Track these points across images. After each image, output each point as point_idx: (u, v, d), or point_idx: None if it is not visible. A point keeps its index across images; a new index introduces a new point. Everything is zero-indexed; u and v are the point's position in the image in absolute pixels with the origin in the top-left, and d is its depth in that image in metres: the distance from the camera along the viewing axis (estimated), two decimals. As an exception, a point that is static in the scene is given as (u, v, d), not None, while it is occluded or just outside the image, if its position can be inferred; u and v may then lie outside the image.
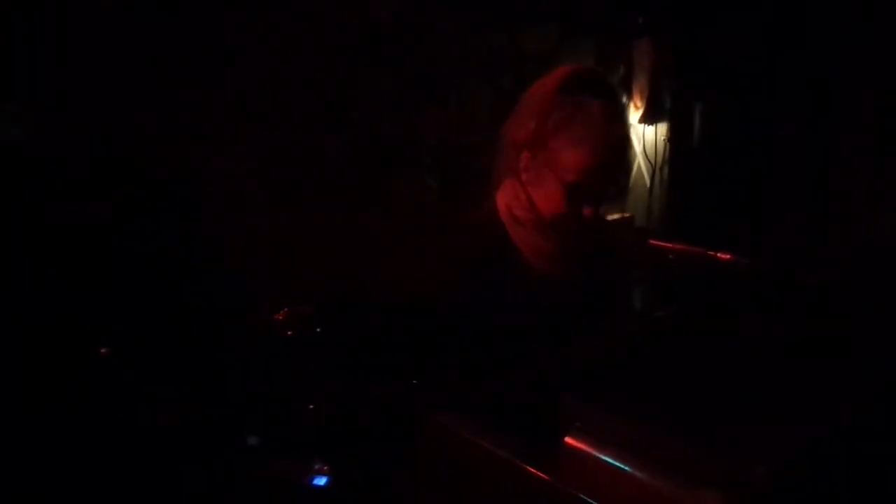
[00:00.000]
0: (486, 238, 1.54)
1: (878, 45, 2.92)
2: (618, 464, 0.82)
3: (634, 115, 3.91)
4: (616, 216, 3.75)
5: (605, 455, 0.83)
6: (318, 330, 2.15)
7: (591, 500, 0.83)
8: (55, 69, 2.46)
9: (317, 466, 1.86)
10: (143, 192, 2.64)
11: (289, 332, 2.14)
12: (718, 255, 1.70)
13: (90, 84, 2.50)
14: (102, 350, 1.85)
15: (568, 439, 0.85)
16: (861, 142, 3.03)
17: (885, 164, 2.94)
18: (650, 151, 3.84)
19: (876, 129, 2.98)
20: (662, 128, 3.78)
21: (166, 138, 2.67)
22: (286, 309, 2.19)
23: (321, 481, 1.84)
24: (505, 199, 1.56)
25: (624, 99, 3.96)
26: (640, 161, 3.95)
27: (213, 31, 2.75)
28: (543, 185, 1.49)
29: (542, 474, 0.88)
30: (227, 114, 2.79)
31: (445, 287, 1.48)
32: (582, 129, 1.45)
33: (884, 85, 2.93)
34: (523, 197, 1.52)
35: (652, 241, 1.85)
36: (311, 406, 1.98)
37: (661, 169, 3.81)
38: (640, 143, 3.93)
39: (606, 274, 1.68)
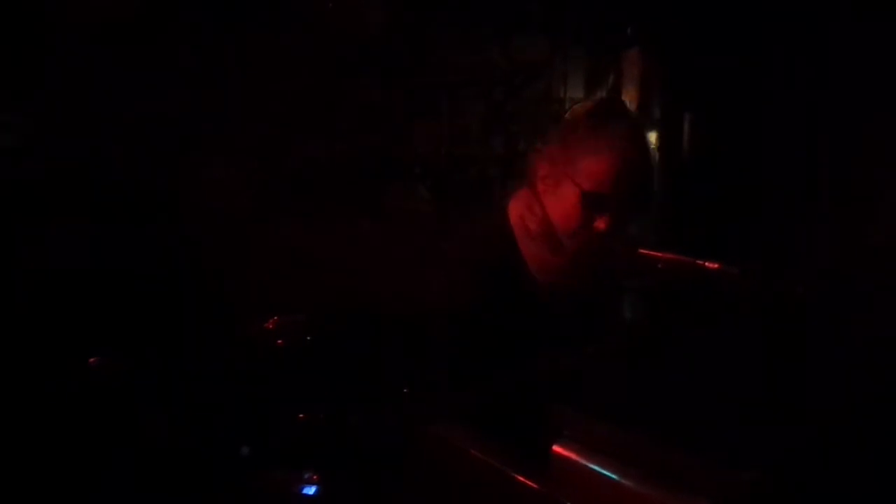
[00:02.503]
0: (494, 248, 1.55)
1: (868, 53, 2.94)
2: (605, 472, 0.83)
3: (625, 124, 3.92)
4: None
5: (593, 463, 0.84)
6: (309, 338, 2.15)
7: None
8: (47, 78, 2.46)
9: (307, 475, 1.86)
10: (134, 201, 2.64)
11: (279, 341, 2.14)
12: (707, 264, 1.71)
13: (83, 95, 2.50)
14: (91, 360, 1.84)
15: (556, 448, 0.85)
16: (853, 151, 3.05)
17: (877, 175, 2.96)
18: (640, 161, 3.86)
19: (867, 137, 3.00)
20: (652, 137, 3.80)
21: (157, 148, 2.67)
22: (276, 317, 2.19)
23: (311, 490, 1.83)
24: (518, 209, 1.57)
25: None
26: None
27: (207, 42, 2.75)
28: (559, 192, 1.50)
29: (531, 482, 0.88)
30: (218, 124, 2.79)
31: (451, 295, 1.49)
32: (603, 141, 1.48)
33: (875, 92, 2.96)
34: (538, 209, 1.52)
35: (641, 250, 1.86)
36: (301, 415, 1.98)
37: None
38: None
39: (605, 291, 1.69)
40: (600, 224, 1.49)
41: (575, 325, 1.55)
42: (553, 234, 1.51)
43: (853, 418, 0.99)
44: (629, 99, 3.79)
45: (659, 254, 1.75)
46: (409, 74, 3.27)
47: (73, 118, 2.51)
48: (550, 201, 1.51)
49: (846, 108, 3.05)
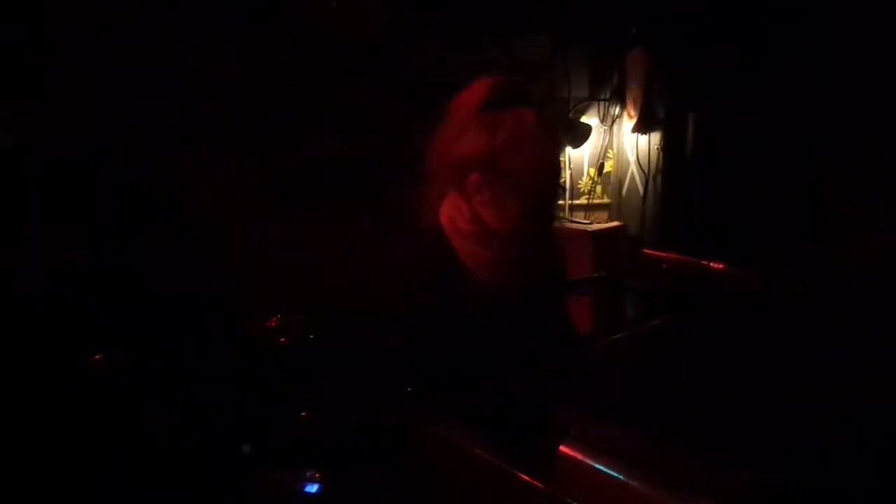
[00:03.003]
0: (433, 250, 1.54)
1: (867, 52, 2.94)
2: (611, 472, 0.82)
3: (628, 124, 3.93)
4: (610, 225, 3.77)
5: (599, 463, 0.83)
6: (311, 337, 2.15)
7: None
8: (49, 78, 2.46)
9: (308, 474, 1.85)
10: (135, 200, 2.64)
11: (281, 340, 2.14)
12: (711, 264, 1.71)
13: (84, 95, 2.50)
14: (96, 357, 1.84)
15: (563, 448, 0.85)
16: (854, 151, 3.05)
17: (878, 175, 2.96)
18: (643, 160, 3.86)
19: (867, 137, 3.00)
20: (655, 137, 3.80)
21: (158, 147, 2.67)
22: (279, 316, 2.18)
23: (313, 489, 1.83)
24: (448, 211, 1.56)
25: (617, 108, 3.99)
26: (633, 170, 3.97)
27: (208, 42, 2.75)
28: (502, 206, 1.48)
29: (537, 482, 0.88)
30: (220, 124, 2.80)
31: (400, 297, 1.50)
32: (533, 144, 1.46)
33: (874, 91, 2.96)
34: (465, 209, 1.51)
35: (645, 250, 1.86)
36: (303, 414, 1.98)
37: (654, 178, 3.82)
38: (633, 152, 3.95)
39: (549, 281, 1.68)
40: (537, 218, 1.50)
41: (525, 318, 1.55)
42: (483, 231, 1.50)
43: (854, 418, 0.99)
44: (632, 98, 3.80)
45: (663, 254, 1.75)
46: (409, 74, 3.27)
47: (74, 118, 2.51)
48: (491, 212, 1.49)
49: (850, 107, 3.05)
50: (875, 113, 2.93)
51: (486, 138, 1.45)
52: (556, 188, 1.56)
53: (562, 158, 3.98)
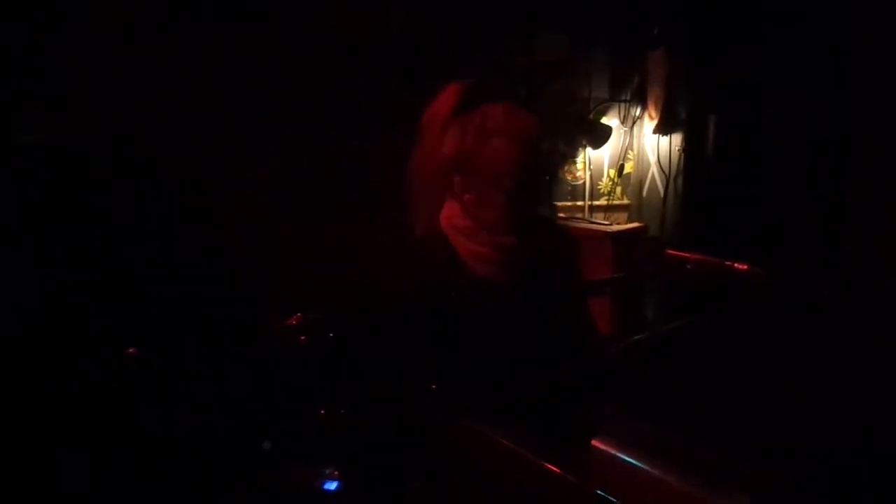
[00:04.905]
0: (438, 250, 1.62)
1: (888, 53, 2.92)
2: (644, 466, 0.82)
3: (649, 125, 3.92)
4: (630, 226, 3.76)
5: (631, 457, 0.83)
6: (332, 335, 2.15)
7: (617, 503, 0.83)
8: (73, 78, 2.48)
9: (327, 471, 1.86)
10: (161, 200, 2.66)
11: (302, 338, 2.14)
12: (735, 265, 1.70)
13: (107, 96, 2.52)
14: (130, 350, 1.86)
15: (594, 442, 0.85)
16: (878, 152, 3.02)
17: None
18: (664, 161, 3.85)
19: (888, 139, 2.98)
20: (677, 138, 3.79)
21: (176, 146, 2.69)
22: (299, 314, 2.19)
23: (332, 486, 1.83)
24: (446, 214, 1.64)
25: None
26: (654, 171, 3.96)
27: (231, 42, 2.77)
28: (486, 200, 1.56)
29: (569, 476, 0.88)
30: (241, 124, 2.81)
31: (414, 295, 1.56)
32: (502, 136, 1.52)
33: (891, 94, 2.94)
34: (458, 208, 1.61)
35: (669, 251, 1.86)
36: (322, 411, 1.98)
37: (675, 179, 3.81)
38: (654, 153, 3.94)
39: (548, 272, 1.70)
40: (520, 206, 1.56)
41: (525, 311, 1.58)
42: (474, 227, 1.58)
43: (890, 416, 0.99)
44: (654, 99, 3.78)
45: (687, 254, 1.75)
46: (429, 73, 3.27)
47: (88, 117, 2.54)
48: (480, 210, 1.57)
49: (872, 109, 3.03)
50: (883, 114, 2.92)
51: (457, 140, 1.56)
52: (535, 176, 1.64)
53: (581, 157, 3.99)
